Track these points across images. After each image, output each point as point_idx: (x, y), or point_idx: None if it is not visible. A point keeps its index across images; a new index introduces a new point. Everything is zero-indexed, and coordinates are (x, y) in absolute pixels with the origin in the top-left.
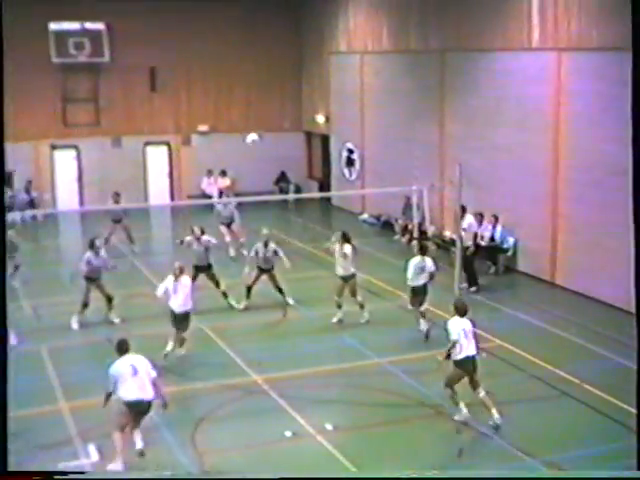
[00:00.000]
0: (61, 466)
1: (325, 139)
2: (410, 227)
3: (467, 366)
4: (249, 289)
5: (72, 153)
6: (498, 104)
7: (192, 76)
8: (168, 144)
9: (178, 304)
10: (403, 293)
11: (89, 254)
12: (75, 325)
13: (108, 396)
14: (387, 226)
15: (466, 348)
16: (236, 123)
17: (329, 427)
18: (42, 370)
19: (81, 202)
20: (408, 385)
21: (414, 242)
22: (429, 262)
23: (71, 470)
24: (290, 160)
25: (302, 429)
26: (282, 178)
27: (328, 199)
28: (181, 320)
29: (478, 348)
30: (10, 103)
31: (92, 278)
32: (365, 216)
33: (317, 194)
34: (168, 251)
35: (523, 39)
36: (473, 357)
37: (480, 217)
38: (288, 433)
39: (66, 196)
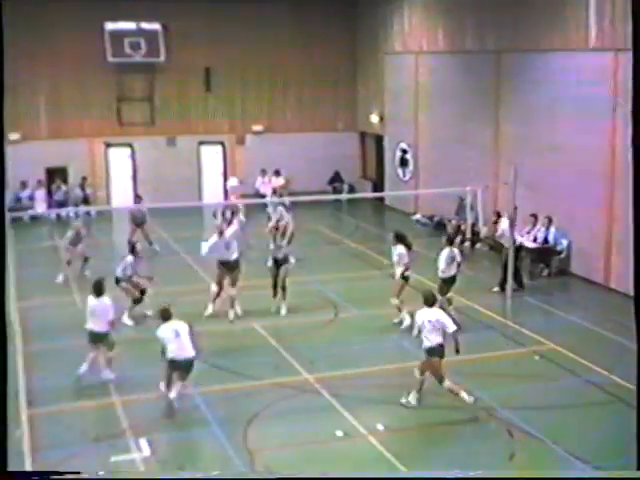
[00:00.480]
0: (113, 460)
1: (379, 139)
2: (463, 228)
3: (441, 353)
4: (274, 287)
5: (127, 151)
6: (554, 105)
7: (247, 76)
8: (222, 144)
9: (230, 254)
10: (455, 294)
11: (131, 259)
12: (129, 322)
13: (162, 353)
14: (440, 227)
15: (434, 338)
16: (290, 123)
17: (380, 427)
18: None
19: (135, 200)
20: (460, 387)
21: (466, 243)
22: (457, 252)
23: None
24: (344, 160)
25: (353, 429)
26: (336, 178)
27: (381, 199)
28: (232, 268)
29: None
30: (66, 100)
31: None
32: (418, 216)
33: (370, 194)
34: None
35: (580, 39)
36: (441, 344)
37: (534, 219)
38: (339, 433)
39: (120, 194)
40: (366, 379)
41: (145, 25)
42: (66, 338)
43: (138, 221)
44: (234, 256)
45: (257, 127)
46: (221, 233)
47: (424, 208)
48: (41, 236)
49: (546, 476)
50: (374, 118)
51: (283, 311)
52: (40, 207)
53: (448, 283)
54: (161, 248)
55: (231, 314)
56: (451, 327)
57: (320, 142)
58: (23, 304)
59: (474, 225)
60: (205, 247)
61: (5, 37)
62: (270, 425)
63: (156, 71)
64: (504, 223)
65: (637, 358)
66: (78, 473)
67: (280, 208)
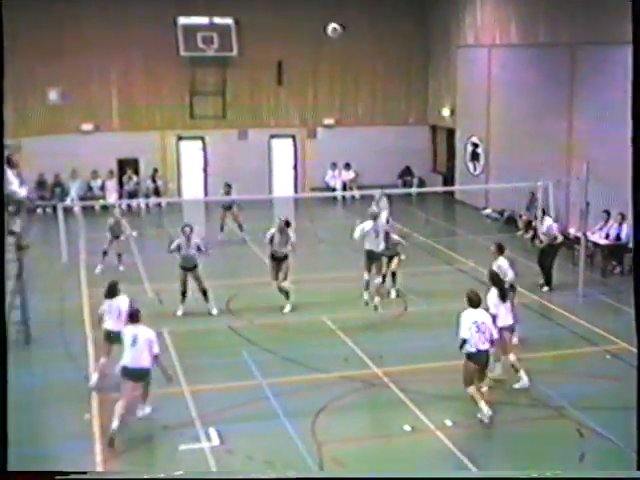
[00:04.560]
0: (182, 448)
1: (450, 133)
2: (534, 223)
3: (479, 360)
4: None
5: (198, 144)
6: (629, 99)
7: (318, 70)
8: (293, 137)
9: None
10: (525, 290)
11: (180, 240)
12: (179, 312)
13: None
14: (510, 222)
15: (478, 341)
16: (361, 116)
17: (449, 423)
18: (166, 352)
19: (205, 192)
20: (530, 384)
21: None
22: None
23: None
24: (415, 154)
25: (421, 424)
26: (406, 172)
27: (452, 193)
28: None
29: (492, 342)
30: (139, 93)
31: (186, 267)
32: (488, 211)
33: (440, 188)
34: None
35: None
36: (486, 351)
37: (607, 215)
38: (407, 427)
39: (191, 186)
40: (435, 374)
41: (218, 19)
42: None
43: (225, 204)
44: (381, 247)
45: (328, 120)
46: (375, 218)
47: (495, 203)
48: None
49: (546, 476)
50: (445, 112)
51: (393, 294)
52: (111, 197)
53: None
54: (230, 239)
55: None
56: (494, 332)
57: (391, 135)
58: (93, 290)
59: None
60: (358, 232)
61: (80, 28)
62: (338, 418)
63: (228, 65)
64: (547, 220)
65: (637, 358)
66: (84, 473)
67: (385, 199)
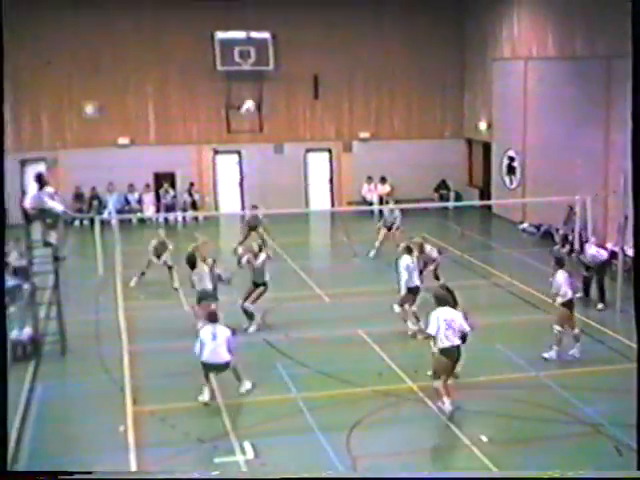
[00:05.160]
0: (217, 461)
1: (486, 146)
2: (571, 237)
3: (451, 354)
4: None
5: (234, 158)
6: None
7: (354, 83)
8: (329, 150)
9: None
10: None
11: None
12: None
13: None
14: (547, 236)
15: (450, 336)
16: (397, 130)
17: (484, 439)
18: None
19: (242, 206)
20: (566, 401)
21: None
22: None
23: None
24: (451, 167)
25: (456, 439)
26: (442, 185)
27: (488, 207)
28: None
29: (464, 337)
30: (175, 107)
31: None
32: (525, 225)
33: (477, 202)
34: (324, 256)
35: None
36: (458, 346)
37: None
38: (442, 443)
39: (227, 199)
40: (470, 389)
41: (254, 34)
42: (171, 340)
43: (252, 225)
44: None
45: (364, 134)
46: (410, 252)
47: (531, 217)
48: (149, 239)
49: (546, 476)
50: (482, 125)
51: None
52: (148, 210)
53: (570, 308)
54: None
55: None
56: (466, 327)
57: (426, 149)
58: (129, 304)
59: (581, 235)
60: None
61: (115, 40)
62: (373, 432)
63: (264, 79)
64: (591, 249)
65: (637, 359)
66: (89, 473)
67: (397, 212)
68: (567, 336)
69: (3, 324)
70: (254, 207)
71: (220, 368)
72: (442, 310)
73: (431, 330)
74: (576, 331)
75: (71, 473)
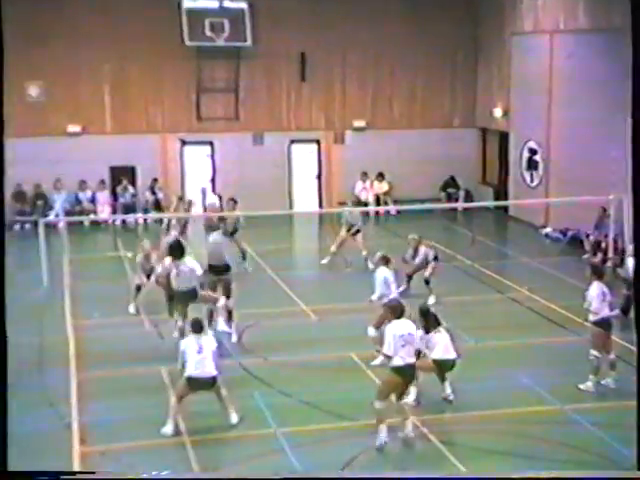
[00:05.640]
0: None
1: (503, 137)
2: (604, 244)
3: (406, 374)
4: None
5: (205, 150)
6: None
7: (348, 63)
8: (318, 142)
9: None
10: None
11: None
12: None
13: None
14: (575, 243)
15: (405, 355)
16: (397, 118)
17: None
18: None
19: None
20: (600, 440)
21: (608, 263)
22: (606, 288)
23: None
24: (460, 162)
25: None
26: (450, 183)
27: (504, 208)
28: None
29: (419, 354)
30: (135, 90)
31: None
32: (548, 230)
33: (491, 202)
34: (310, 265)
35: None
36: (413, 365)
37: None
38: None
39: (196, 198)
40: (482, 424)
41: (228, 3)
42: (130, 365)
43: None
44: None
45: (359, 123)
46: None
47: (556, 220)
48: (104, 245)
49: (546, 476)
50: (497, 112)
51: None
52: (103, 211)
53: (605, 329)
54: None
55: None
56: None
57: (432, 140)
58: (79, 322)
59: (616, 241)
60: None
61: (65, 8)
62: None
63: (241, 57)
64: (630, 262)
65: (637, 359)
66: (92, 473)
67: (357, 214)
68: (603, 362)
69: (3, 325)
70: (232, 201)
71: (206, 385)
72: (397, 324)
73: (386, 350)
74: (612, 356)
75: (73, 473)
